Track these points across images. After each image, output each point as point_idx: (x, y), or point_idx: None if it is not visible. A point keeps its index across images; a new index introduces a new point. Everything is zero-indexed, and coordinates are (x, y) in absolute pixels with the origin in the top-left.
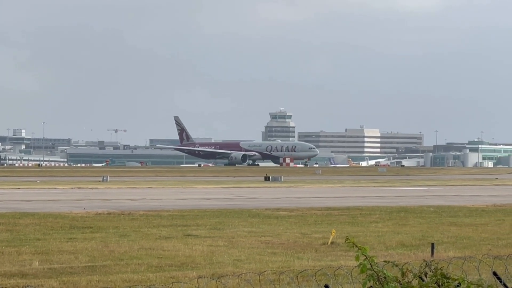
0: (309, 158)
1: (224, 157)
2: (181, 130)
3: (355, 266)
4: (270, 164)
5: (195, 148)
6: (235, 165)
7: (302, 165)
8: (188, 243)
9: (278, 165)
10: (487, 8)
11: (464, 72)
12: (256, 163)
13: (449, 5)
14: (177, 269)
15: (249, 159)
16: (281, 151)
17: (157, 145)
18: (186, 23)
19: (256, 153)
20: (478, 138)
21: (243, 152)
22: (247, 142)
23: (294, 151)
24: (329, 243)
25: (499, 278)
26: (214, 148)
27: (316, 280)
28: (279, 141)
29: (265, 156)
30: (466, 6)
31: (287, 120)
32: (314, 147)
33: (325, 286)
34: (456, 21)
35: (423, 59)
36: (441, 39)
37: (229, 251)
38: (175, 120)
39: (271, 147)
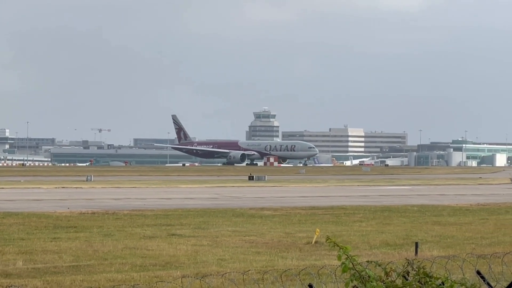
0: (309, 157)
1: (222, 156)
2: (179, 129)
3: (339, 266)
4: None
5: (193, 147)
6: (233, 164)
7: (302, 165)
8: (172, 242)
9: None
10: (470, 7)
11: (448, 71)
12: (254, 162)
13: (432, 4)
14: (161, 269)
15: (248, 159)
16: (280, 150)
17: (154, 144)
18: (170, 23)
19: (255, 152)
20: (462, 137)
21: (242, 152)
22: (246, 141)
23: (294, 151)
24: (313, 242)
25: (482, 277)
26: (213, 147)
27: (300, 280)
28: (278, 140)
29: (264, 156)
30: (449, 5)
31: (271, 119)
32: (314, 146)
33: (309, 285)
34: (439, 20)
35: (407, 58)
36: (424, 38)
37: (213, 250)
38: (172, 119)
39: (270, 146)
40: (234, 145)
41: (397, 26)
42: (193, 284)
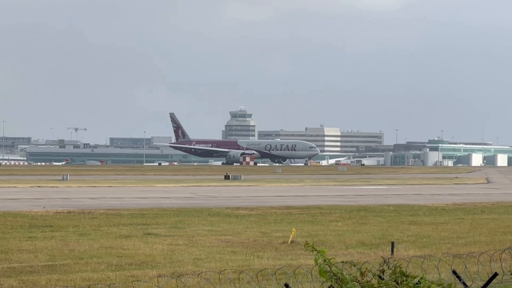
0: (310, 157)
1: (221, 155)
2: (177, 127)
3: (315, 265)
4: (268, 163)
5: (192, 146)
6: (233, 164)
7: (303, 164)
8: (148, 242)
9: (279, 164)
10: (446, 5)
11: (424, 70)
12: (254, 161)
13: (408, 2)
14: (137, 268)
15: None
16: (281, 149)
17: (153, 143)
18: (146, 22)
19: (255, 152)
20: (438, 137)
21: (242, 151)
22: (246, 140)
23: (294, 150)
24: (289, 242)
25: (458, 277)
26: (211, 146)
27: (276, 279)
28: (279, 139)
29: (264, 155)
30: (425, 4)
31: (247, 119)
32: (315, 146)
33: (285, 285)
34: (415, 18)
35: (383, 57)
36: (400, 37)
37: (189, 249)
38: (170, 117)
39: (271, 145)
40: (233, 144)
41: (373, 24)
42: (169, 284)
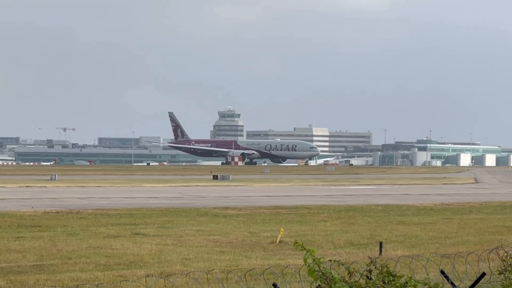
0: (310, 157)
1: (221, 155)
2: (176, 127)
3: (303, 265)
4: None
5: (191, 146)
6: (231, 164)
7: (304, 164)
8: (137, 241)
9: (278, 164)
10: (433, 5)
11: (412, 70)
12: (254, 161)
13: (396, 2)
14: (125, 268)
15: (247, 158)
16: (281, 150)
17: (153, 142)
18: (136, 22)
19: (255, 152)
20: (427, 137)
21: (242, 151)
22: (246, 140)
23: (295, 150)
24: (277, 242)
25: (446, 277)
26: (211, 146)
27: (264, 279)
28: (279, 139)
29: (264, 155)
30: (413, 4)
31: (235, 119)
32: (315, 146)
33: (273, 284)
34: (403, 18)
35: (372, 57)
36: (388, 37)
37: (178, 249)
38: (169, 116)
39: (271, 145)
40: (233, 144)
41: (361, 24)
42: (157, 284)
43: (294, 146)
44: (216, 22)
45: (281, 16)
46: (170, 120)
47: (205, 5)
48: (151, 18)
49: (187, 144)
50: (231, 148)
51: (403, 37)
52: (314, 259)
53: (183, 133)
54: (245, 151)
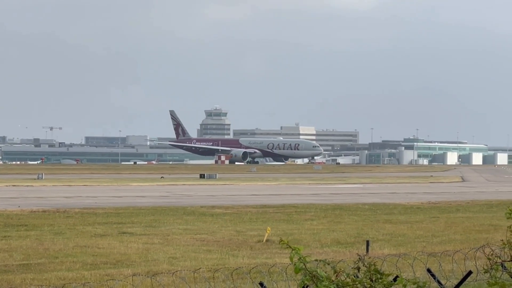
0: (313, 156)
1: (224, 154)
2: (177, 125)
3: (290, 264)
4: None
5: (193, 145)
6: (234, 162)
7: (307, 163)
8: (123, 240)
9: (281, 163)
10: (420, 4)
11: (399, 69)
12: (256, 160)
13: (383, 2)
14: (112, 267)
15: (249, 157)
16: (284, 149)
17: (154, 141)
18: (122, 22)
19: (257, 151)
20: (413, 135)
21: (244, 149)
22: (248, 139)
23: (298, 149)
24: (264, 240)
25: (433, 275)
26: (212, 145)
27: (251, 278)
28: (281, 138)
29: (266, 154)
30: (400, 3)
31: (222, 117)
32: (318, 145)
33: (259, 283)
34: (390, 17)
35: (359, 56)
36: (375, 36)
37: (164, 248)
38: (170, 114)
39: (273, 144)
40: (235, 143)
41: (348, 23)
42: (144, 283)
43: (297, 145)
44: (202, 22)
45: (269, 16)
46: (171, 118)
47: (192, 5)
48: (138, 18)
49: (188, 143)
50: (234, 147)
51: (390, 36)
52: (300, 257)
53: (184, 132)
54: (247, 150)
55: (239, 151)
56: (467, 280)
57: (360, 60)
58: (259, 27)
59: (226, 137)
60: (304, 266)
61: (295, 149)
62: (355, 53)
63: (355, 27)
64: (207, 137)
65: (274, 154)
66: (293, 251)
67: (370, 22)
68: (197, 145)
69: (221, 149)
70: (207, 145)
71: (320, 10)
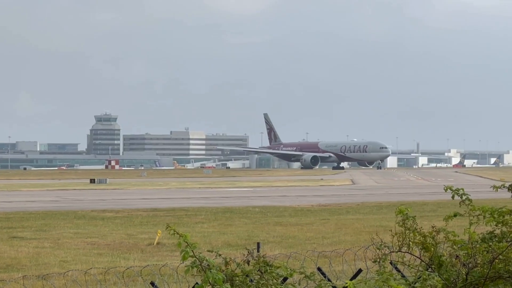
0: (382, 159)
1: (297, 159)
2: (270, 129)
3: (181, 263)
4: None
5: (277, 151)
6: (307, 168)
7: (374, 167)
8: (14, 245)
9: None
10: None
11: (281, 71)
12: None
13: (267, 4)
14: (2, 271)
15: (322, 162)
16: (354, 151)
17: (226, 149)
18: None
19: (332, 155)
20: (303, 139)
21: (313, 154)
22: (325, 142)
23: (366, 152)
24: (155, 243)
25: (323, 274)
26: (295, 150)
27: (142, 278)
28: (356, 139)
29: (339, 158)
30: (284, 9)
31: (112, 123)
32: (386, 146)
33: (151, 283)
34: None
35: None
36: (254, 40)
37: (55, 252)
38: (264, 117)
39: (345, 147)
40: (314, 147)
41: (242, 28)
42: (35, 285)
43: (365, 147)
44: (83, 25)
45: (145, 20)
46: (265, 122)
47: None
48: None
49: (277, 149)
50: (313, 151)
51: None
52: (188, 244)
53: (275, 137)
54: (322, 154)
55: (308, 156)
56: (357, 278)
57: (254, 61)
58: (140, 31)
59: (115, 142)
60: (192, 254)
61: (363, 152)
62: (245, 57)
63: (247, 32)
64: (97, 142)
65: (346, 157)
66: (181, 238)
67: (259, 27)
68: (279, 151)
69: (295, 154)
70: (291, 150)
71: (214, 15)
